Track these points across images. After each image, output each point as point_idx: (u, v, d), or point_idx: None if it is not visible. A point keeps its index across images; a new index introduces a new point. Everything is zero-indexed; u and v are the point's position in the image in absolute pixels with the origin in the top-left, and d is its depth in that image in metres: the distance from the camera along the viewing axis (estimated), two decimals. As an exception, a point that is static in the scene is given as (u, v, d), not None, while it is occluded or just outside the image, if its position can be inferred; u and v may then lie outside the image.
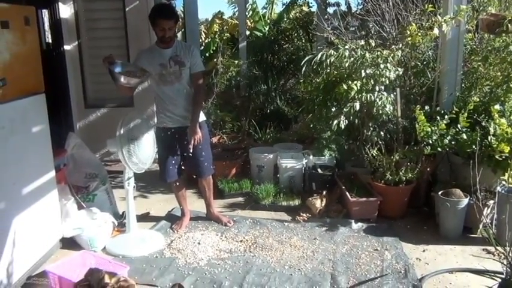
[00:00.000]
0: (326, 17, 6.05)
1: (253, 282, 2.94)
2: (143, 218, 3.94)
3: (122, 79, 3.16)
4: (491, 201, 3.44)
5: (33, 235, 3.03)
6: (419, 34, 3.99)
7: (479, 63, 4.34)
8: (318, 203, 3.99)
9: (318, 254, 3.31)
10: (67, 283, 2.76)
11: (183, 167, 3.68)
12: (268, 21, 8.43)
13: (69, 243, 3.42)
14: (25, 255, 2.95)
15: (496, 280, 2.70)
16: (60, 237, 3.39)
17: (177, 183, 3.74)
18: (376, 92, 3.96)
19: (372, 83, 3.96)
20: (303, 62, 4.41)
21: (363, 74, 3.92)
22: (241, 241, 3.52)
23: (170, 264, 3.18)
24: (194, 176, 3.84)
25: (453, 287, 2.88)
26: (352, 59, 4.01)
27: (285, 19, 7.94)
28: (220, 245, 3.45)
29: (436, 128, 3.68)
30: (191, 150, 3.42)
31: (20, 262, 2.89)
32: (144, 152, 3.37)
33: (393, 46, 4.24)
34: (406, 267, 3.08)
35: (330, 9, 6.43)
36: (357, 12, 5.83)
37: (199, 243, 3.46)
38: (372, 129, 4.22)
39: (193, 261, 3.22)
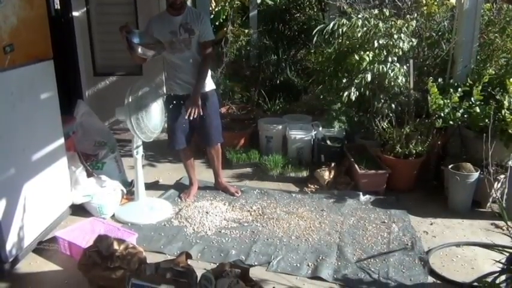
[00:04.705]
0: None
1: (260, 251, 2.96)
2: (152, 186, 3.97)
3: (140, 50, 3.10)
4: (502, 176, 3.40)
5: (43, 201, 3.07)
6: (436, 3, 3.88)
7: (496, 34, 4.23)
8: (326, 174, 3.98)
9: (325, 225, 3.32)
10: (77, 248, 2.81)
11: (191, 136, 3.67)
12: (280, -11, 8.21)
13: (79, 210, 3.46)
14: (36, 221, 2.99)
15: (504, 254, 2.69)
16: (70, 204, 3.43)
17: (186, 152, 3.74)
18: (389, 63, 3.88)
19: (385, 53, 3.88)
20: (315, 31, 4.32)
21: (376, 45, 3.83)
22: (248, 211, 3.54)
23: (178, 233, 3.21)
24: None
25: (460, 260, 2.88)
26: (365, 28, 3.92)
27: (297, -13, 7.72)
28: (228, 215, 3.47)
29: (448, 100, 3.62)
30: (186, 117, 3.37)
31: (31, 228, 2.93)
32: (152, 120, 3.35)
33: (408, 16, 4.13)
34: (413, 240, 3.08)
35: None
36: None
37: (207, 213, 3.48)
38: (383, 101, 4.16)
39: (201, 230, 3.25)
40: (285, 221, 3.38)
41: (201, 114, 3.41)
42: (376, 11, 4.07)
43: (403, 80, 3.91)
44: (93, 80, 5.45)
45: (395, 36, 3.84)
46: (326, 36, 4.28)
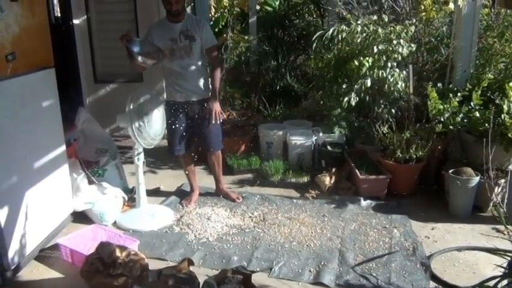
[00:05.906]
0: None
1: (262, 257, 2.96)
2: (153, 193, 3.97)
3: (140, 59, 3.11)
4: (503, 180, 3.41)
5: (45, 209, 3.07)
6: (434, 9, 3.90)
7: (494, 39, 4.25)
8: (327, 180, 3.98)
9: (327, 230, 3.33)
10: (78, 256, 2.82)
11: (191, 142, 3.69)
12: (279, -5, 8.25)
13: (80, 217, 3.46)
14: (37, 229, 3.00)
15: (505, 259, 2.70)
16: (72, 211, 3.43)
17: (186, 158, 3.74)
18: (388, 69, 3.89)
19: (384, 59, 3.90)
20: (314, 37, 4.34)
21: (375, 50, 3.85)
22: (250, 217, 3.54)
23: (180, 239, 3.21)
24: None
25: (461, 265, 2.88)
26: (364, 34, 3.94)
27: (296, -7, 7.76)
28: (229, 221, 3.48)
29: (448, 105, 3.63)
30: (213, 122, 3.46)
31: (33, 235, 2.93)
32: (153, 127, 3.37)
33: (407, 21, 4.16)
34: (415, 245, 3.08)
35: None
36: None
37: (208, 219, 3.49)
38: (383, 106, 4.17)
39: (203, 237, 3.25)
40: (286, 226, 3.38)
41: (224, 116, 3.53)
42: (375, 17, 4.10)
43: (403, 85, 3.93)
44: (93, 87, 5.46)
45: (395, 42, 3.85)
46: (325, 42, 4.30)
